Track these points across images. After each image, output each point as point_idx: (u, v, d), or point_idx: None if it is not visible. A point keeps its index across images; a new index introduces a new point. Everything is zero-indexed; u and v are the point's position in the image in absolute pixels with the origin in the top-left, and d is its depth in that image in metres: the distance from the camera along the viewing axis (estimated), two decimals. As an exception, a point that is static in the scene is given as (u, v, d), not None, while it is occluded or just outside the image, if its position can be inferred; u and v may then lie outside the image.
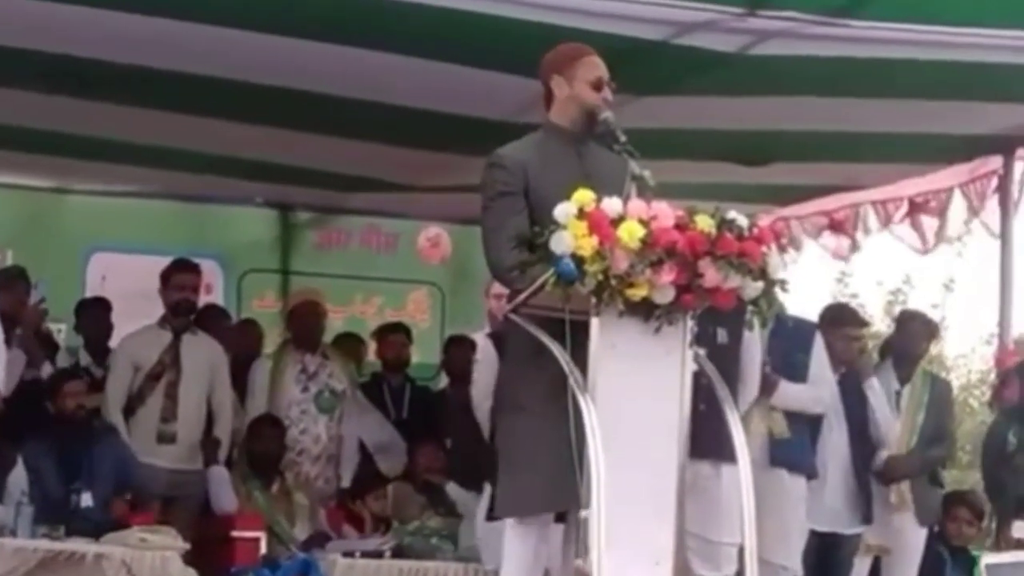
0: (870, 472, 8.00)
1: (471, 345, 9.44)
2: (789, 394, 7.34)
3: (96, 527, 7.24)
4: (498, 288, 7.41)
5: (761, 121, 8.10)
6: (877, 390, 8.08)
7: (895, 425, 8.21)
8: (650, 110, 7.19)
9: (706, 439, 5.62)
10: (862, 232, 10.27)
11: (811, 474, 7.47)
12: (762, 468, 7.19)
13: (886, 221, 10.01)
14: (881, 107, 7.82)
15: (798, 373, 7.44)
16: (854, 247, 10.42)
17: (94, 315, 9.09)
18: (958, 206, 9.50)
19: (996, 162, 9.14)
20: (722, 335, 6.57)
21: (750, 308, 5.46)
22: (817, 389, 7.51)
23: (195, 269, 8.62)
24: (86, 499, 7.61)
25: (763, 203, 10.10)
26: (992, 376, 10.66)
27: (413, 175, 9.40)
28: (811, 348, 7.58)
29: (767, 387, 7.23)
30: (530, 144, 5.68)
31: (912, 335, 8.65)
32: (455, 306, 10.88)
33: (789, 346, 7.44)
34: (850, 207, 10.23)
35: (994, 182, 9.16)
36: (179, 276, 8.49)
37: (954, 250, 14.82)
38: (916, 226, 9.82)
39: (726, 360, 6.23)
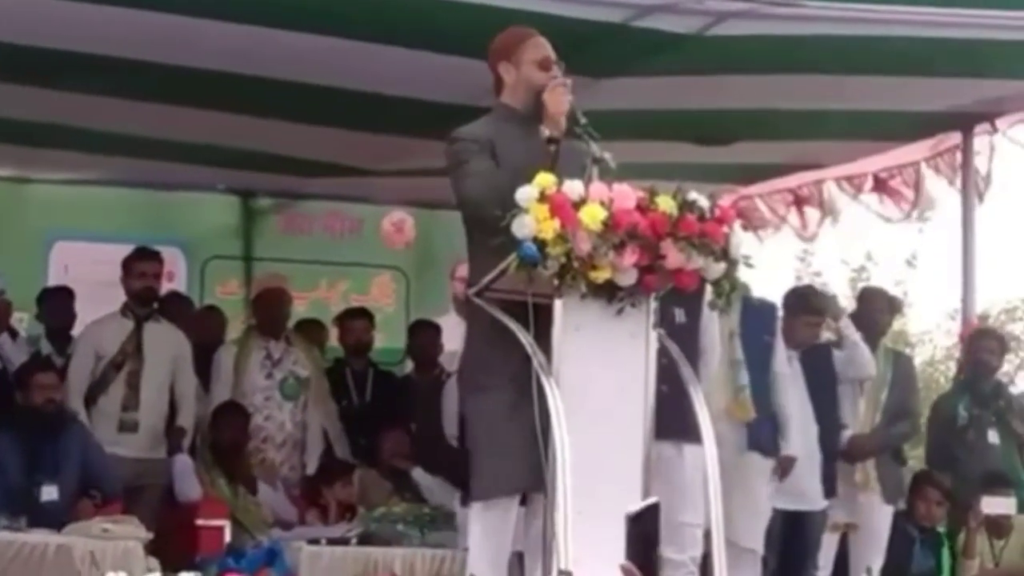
0: (835, 450, 8.01)
1: (436, 329, 9.46)
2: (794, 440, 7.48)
3: (59, 519, 7.20)
4: (463, 271, 7.40)
5: (722, 101, 8.11)
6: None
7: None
8: (611, 92, 7.19)
9: (668, 420, 5.63)
10: (828, 209, 10.28)
11: (776, 456, 7.52)
12: (737, 451, 7.24)
13: (855, 193, 10.01)
14: (841, 85, 7.84)
15: (765, 355, 7.48)
16: (822, 221, 10.41)
17: (57, 304, 9.05)
18: (930, 178, 9.53)
19: (956, 138, 9.17)
20: (680, 315, 6.59)
21: (711, 288, 5.48)
22: (785, 391, 7.58)
23: (156, 257, 8.58)
24: (50, 492, 7.57)
25: (726, 182, 10.12)
26: (957, 352, 10.69)
27: (376, 160, 9.37)
28: (776, 331, 7.63)
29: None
30: (488, 124, 5.70)
31: (874, 311, 8.68)
32: (420, 290, 10.86)
33: (756, 328, 7.48)
34: (814, 184, 10.25)
35: (957, 157, 9.19)
36: (140, 264, 8.45)
37: (915, 227, 14.87)
38: (889, 195, 9.84)
39: (685, 340, 6.23)
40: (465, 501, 6.53)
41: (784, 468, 7.53)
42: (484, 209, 5.40)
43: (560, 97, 5.48)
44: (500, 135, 5.60)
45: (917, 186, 9.63)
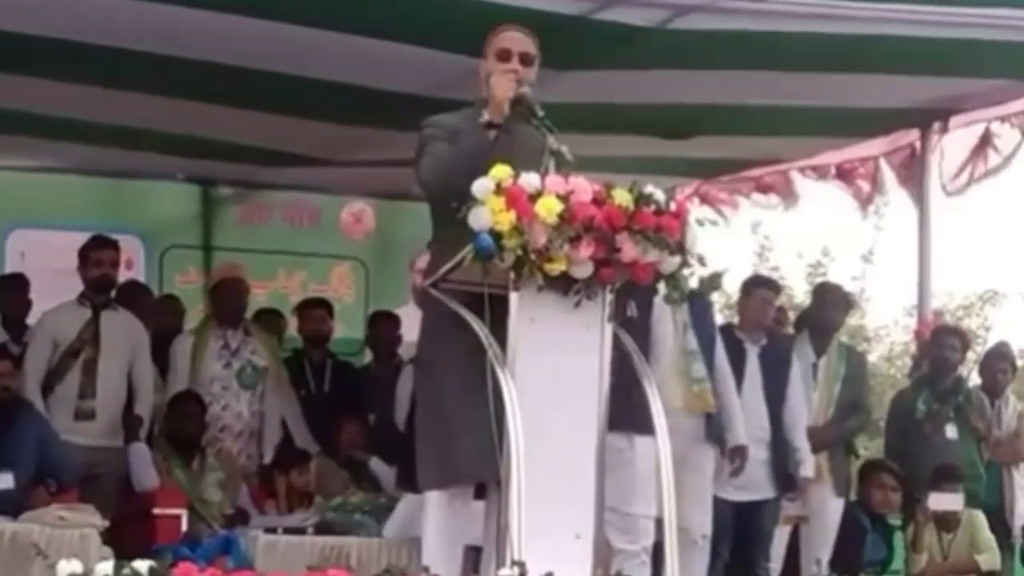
0: (786, 446, 8.05)
1: (395, 320, 9.47)
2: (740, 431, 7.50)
3: (14, 507, 7.18)
4: (422, 263, 7.41)
5: (682, 95, 8.14)
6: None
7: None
8: (571, 85, 7.20)
9: (618, 412, 5.65)
10: (792, 197, 10.33)
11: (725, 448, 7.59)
12: (691, 441, 7.28)
13: (819, 178, 10.06)
14: (801, 81, 7.87)
15: (710, 345, 7.55)
16: (791, 200, 10.45)
17: (12, 292, 9.00)
18: (886, 174, 9.59)
19: (913, 135, 9.22)
20: (632, 309, 6.62)
21: (664, 282, 5.50)
22: (728, 381, 7.64)
23: (113, 245, 8.55)
24: (6, 480, 7.55)
25: (686, 176, 10.16)
26: (913, 347, 10.76)
27: (335, 150, 9.36)
28: (713, 321, 7.74)
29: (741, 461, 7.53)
30: (460, 115, 5.75)
31: (828, 306, 8.74)
32: (379, 281, 10.86)
33: (702, 321, 7.54)
34: (778, 173, 10.28)
35: (911, 153, 9.26)
36: (97, 252, 8.42)
37: (871, 223, 14.95)
38: (850, 184, 9.89)
39: (637, 333, 6.25)
40: (402, 487, 6.51)
41: (736, 459, 7.57)
42: (431, 189, 5.51)
43: (503, 82, 5.52)
44: (467, 126, 5.63)
45: (874, 180, 9.69)
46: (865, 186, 9.81)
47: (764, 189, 10.46)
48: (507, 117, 5.57)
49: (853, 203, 9.98)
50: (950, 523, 8.57)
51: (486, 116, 5.51)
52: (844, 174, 9.87)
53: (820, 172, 10.02)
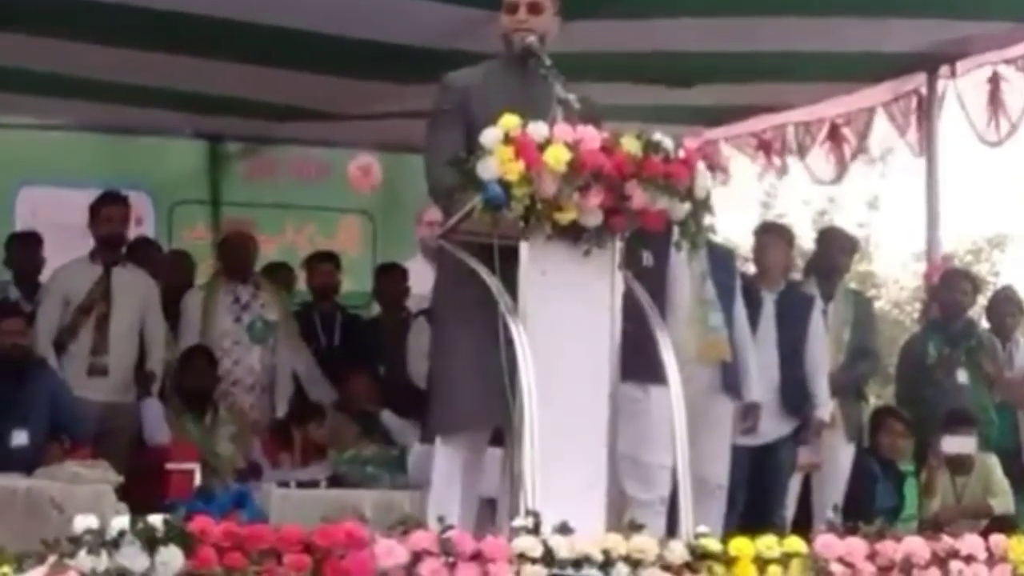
0: (805, 390, 8.04)
1: (403, 273, 9.48)
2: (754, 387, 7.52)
3: (29, 464, 7.22)
4: (430, 215, 7.43)
5: (687, 43, 8.12)
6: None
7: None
8: (576, 34, 7.15)
9: (632, 361, 5.66)
10: (789, 153, 10.30)
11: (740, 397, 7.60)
12: (707, 391, 7.27)
13: (806, 148, 10.03)
14: (806, 26, 7.86)
15: (729, 297, 7.52)
16: (783, 169, 10.45)
17: (25, 250, 9.03)
18: (880, 127, 9.55)
19: (920, 79, 9.18)
20: (647, 257, 6.59)
21: (677, 230, 5.50)
22: (745, 334, 7.63)
23: (124, 201, 8.56)
24: (20, 437, 7.58)
25: (691, 124, 10.13)
26: (922, 293, 10.76)
27: (342, 103, 9.35)
28: (736, 275, 7.69)
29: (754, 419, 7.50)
30: (480, 69, 5.75)
31: (833, 251, 8.72)
32: (387, 234, 10.86)
33: (721, 271, 7.51)
34: (777, 128, 10.25)
35: (913, 102, 9.21)
36: (108, 209, 8.43)
37: (876, 170, 14.92)
38: (834, 149, 9.85)
39: (652, 282, 6.25)
40: (424, 439, 6.55)
41: (749, 416, 7.57)
42: (431, 193, 5.58)
43: None
44: (486, 80, 5.65)
45: (862, 136, 9.66)
46: (853, 141, 9.76)
47: (767, 148, 10.42)
48: (512, 67, 5.58)
49: (843, 161, 9.94)
50: (963, 466, 8.58)
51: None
52: (834, 133, 9.81)
53: (812, 133, 9.95)
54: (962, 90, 8.94)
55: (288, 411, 8.67)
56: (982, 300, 9.83)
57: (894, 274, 23.43)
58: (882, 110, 9.47)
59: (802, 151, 10.02)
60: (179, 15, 7.51)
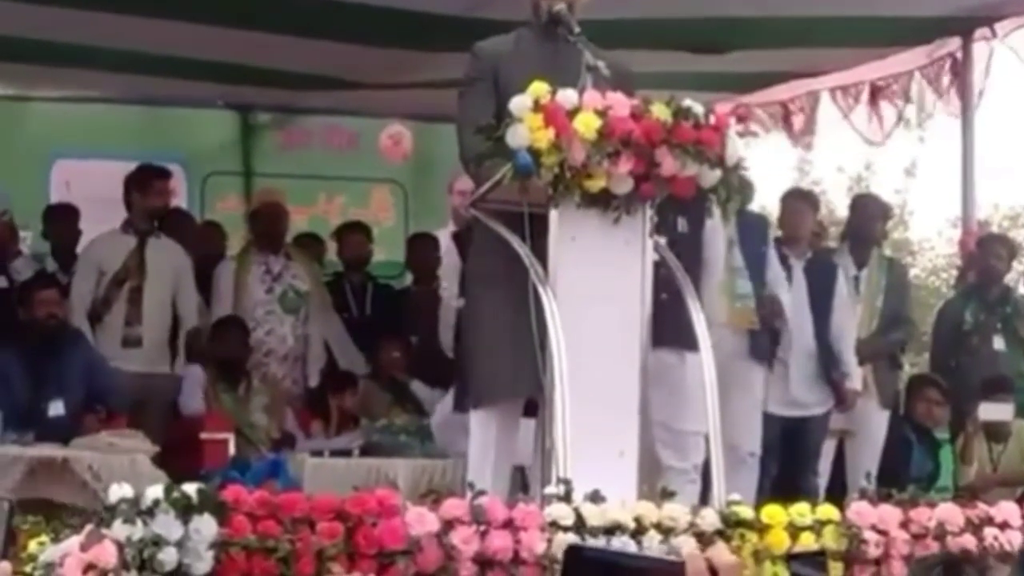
0: (834, 358, 8.02)
1: (434, 242, 9.46)
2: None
3: (66, 434, 7.27)
4: (461, 184, 7.41)
5: (717, 8, 8.07)
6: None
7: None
8: (606, 1, 7.15)
9: (668, 328, 5.65)
10: (820, 121, 10.21)
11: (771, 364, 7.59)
12: (737, 358, 7.26)
13: (848, 110, 9.93)
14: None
15: (760, 264, 7.50)
16: (808, 131, 10.35)
17: (62, 222, 9.08)
18: (920, 90, 9.46)
19: (954, 44, 9.09)
20: (682, 224, 6.57)
21: (711, 196, 5.48)
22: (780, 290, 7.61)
23: (169, 175, 8.74)
24: (57, 407, 7.62)
25: (722, 91, 10.06)
26: (958, 260, 10.69)
27: (373, 73, 9.33)
28: (769, 242, 7.66)
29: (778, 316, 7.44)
30: (510, 38, 5.76)
31: (865, 217, 8.67)
32: (418, 203, 10.85)
33: (752, 239, 7.49)
34: (807, 94, 10.18)
35: (947, 66, 9.12)
36: (158, 182, 8.56)
37: (914, 135, 14.79)
38: (876, 112, 9.77)
39: (687, 249, 6.25)
40: (458, 407, 6.54)
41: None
42: (461, 160, 5.58)
43: None
44: (516, 49, 5.66)
45: (905, 98, 9.56)
46: (900, 104, 9.67)
47: (790, 118, 10.33)
48: (541, 35, 5.57)
49: (877, 133, 9.84)
50: (1000, 434, 8.54)
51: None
52: (876, 94, 9.71)
53: (854, 94, 9.86)
54: (1017, 46, 8.80)
55: (320, 381, 8.69)
56: (1018, 266, 9.75)
57: (930, 240, 23.33)
58: (919, 74, 9.37)
59: (846, 113, 9.91)
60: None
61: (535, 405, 5.62)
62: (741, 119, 6.16)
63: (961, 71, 9.10)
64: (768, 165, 12.83)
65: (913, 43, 9.12)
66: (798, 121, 10.27)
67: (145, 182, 8.47)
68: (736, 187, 5.44)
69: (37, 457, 6.85)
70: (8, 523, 4.89)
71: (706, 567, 2.13)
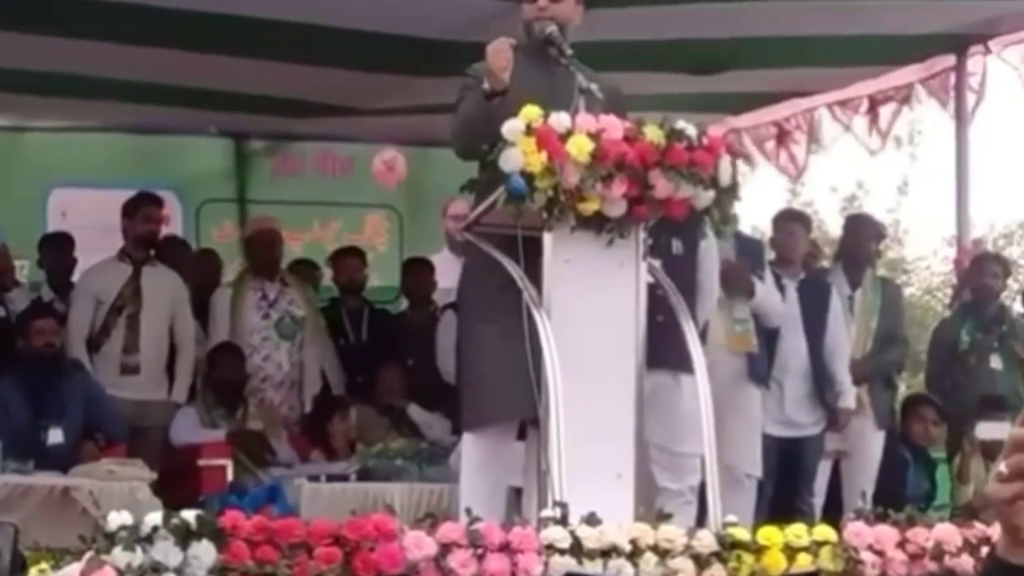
0: (828, 378, 8.02)
1: (430, 267, 9.48)
2: (765, 298, 7.44)
3: (65, 462, 7.28)
4: (455, 208, 7.44)
5: (712, 29, 8.09)
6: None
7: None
8: (599, 22, 7.16)
9: (664, 350, 5.66)
10: (817, 141, 10.21)
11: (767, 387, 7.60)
12: (737, 380, 7.26)
13: (848, 120, 9.93)
14: (831, 9, 7.81)
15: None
16: (809, 152, 10.36)
17: (57, 251, 9.09)
18: (921, 100, 9.45)
19: (949, 61, 9.11)
20: (677, 246, 6.59)
21: (705, 218, 5.49)
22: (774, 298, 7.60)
23: (160, 202, 8.73)
24: (55, 435, 7.63)
25: (717, 112, 10.09)
26: (953, 278, 10.69)
27: (366, 98, 9.36)
28: (765, 265, 7.67)
29: (746, 286, 7.32)
30: None
31: (859, 237, 8.67)
32: (413, 228, 10.86)
33: (748, 262, 7.49)
34: (805, 112, 10.18)
35: (950, 79, 9.12)
36: (148, 209, 8.56)
37: (905, 153, 14.82)
38: (875, 122, 9.76)
39: (682, 271, 6.26)
40: (456, 432, 6.55)
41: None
42: (456, 141, 5.53)
43: (498, 54, 5.45)
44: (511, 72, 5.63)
45: (907, 103, 9.55)
46: (899, 118, 9.67)
47: (785, 137, 10.33)
48: (534, 57, 5.57)
49: (877, 142, 9.84)
50: (997, 453, 8.48)
51: (487, 85, 5.44)
52: (875, 106, 9.72)
53: (852, 107, 9.88)
54: (1012, 63, 8.81)
55: (313, 406, 8.70)
56: (1014, 284, 9.75)
57: (925, 259, 23.34)
58: (919, 86, 9.35)
59: (847, 125, 9.91)
60: (201, 14, 7.53)
61: (525, 427, 5.63)
62: (729, 146, 6.19)
63: (956, 88, 9.11)
64: (760, 186, 12.82)
65: (908, 61, 9.14)
66: (796, 147, 10.25)
67: (134, 209, 8.49)
68: (729, 211, 5.46)
69: (38, 486, 6.86)
70: (14, 547, 4.91)
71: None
